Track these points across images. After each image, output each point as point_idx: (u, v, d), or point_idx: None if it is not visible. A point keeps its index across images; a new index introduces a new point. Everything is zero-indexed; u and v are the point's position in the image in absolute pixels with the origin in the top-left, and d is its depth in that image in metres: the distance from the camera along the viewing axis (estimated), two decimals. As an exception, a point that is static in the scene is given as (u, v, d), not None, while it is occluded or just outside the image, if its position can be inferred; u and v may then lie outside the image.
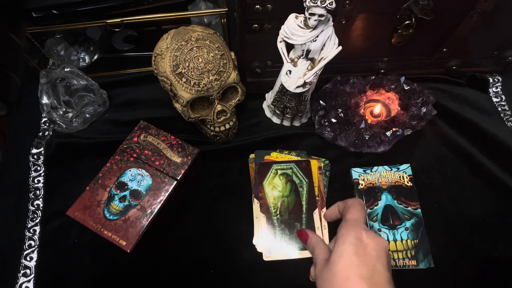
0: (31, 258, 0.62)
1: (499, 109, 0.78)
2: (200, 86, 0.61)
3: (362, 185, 0.68)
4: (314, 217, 0.65)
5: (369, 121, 0.70)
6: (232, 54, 0.65)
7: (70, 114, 0.71)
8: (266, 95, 0.78)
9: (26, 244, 0.63)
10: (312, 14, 0.52)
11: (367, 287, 0.43)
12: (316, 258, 0.51)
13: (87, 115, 0.73)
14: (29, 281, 0.60)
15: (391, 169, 0.69)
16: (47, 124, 0.75)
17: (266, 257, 0.62)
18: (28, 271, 0.61)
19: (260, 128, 0.75)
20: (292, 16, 0.56)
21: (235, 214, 0.66)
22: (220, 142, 0.72)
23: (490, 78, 0.81)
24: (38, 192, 0.68)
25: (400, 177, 0.68)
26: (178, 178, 0.60)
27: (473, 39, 0.72)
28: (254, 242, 0.63)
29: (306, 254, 0.62)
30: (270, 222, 0.64)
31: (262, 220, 0.65)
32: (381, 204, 0.66)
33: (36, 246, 0.63)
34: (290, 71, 0.61)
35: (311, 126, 0.75)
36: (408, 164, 0.70)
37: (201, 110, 0.67)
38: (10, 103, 0.72)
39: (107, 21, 0.68)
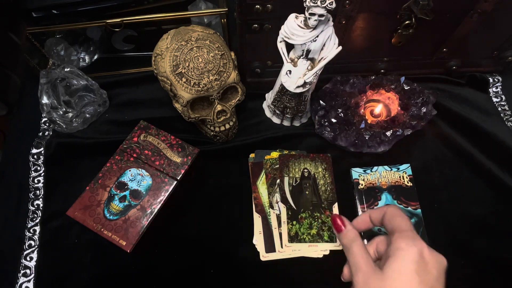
0: (31, 258, 0.62)
1: (499, 109, 0.78)
2: (200, 86, 0.61)
3: (362, 185, 0.68)
4: (334, 210, 0.65)
5: (369, 121, 0.70)
6: (232, 54, 0.65)
7: (70, 114, 0.71)
8: (266, 95, 0.78)
9: (26, 244, 0.63)
10: (312, 14, 0.52)
11: None
12: (355, 258, 0.45)
13: (87, 115, 0.73)
14: (29, 281, 0.60)
15: (391, 169, 0.69)
16: (47, 124, 0.75)
17: (263, 257, 0.62)
18: (28, 271, 0.61)
19: (260, 128, 0.75)
20: (292, 16, 0.56)
21: (235, 214, 0.66)
22: (220, 142, 0.72)
23: (490, 78, 0.80)
24: (38, 192, 0.68)
25: (400, 177, 0.68)
26: (178, 178, 0.60)
27: (473, 39, 0.72)
28: (254, 242, 0.63)
29: (303, 253, 0.62)
30: (266, 222, 0.64)
31: (258, 220, 0.65)
32: (381, 204, 0.66)
33: (36, 246, 0.63)
34: (290, 71, 0.61)
35: (311, 126, 0.75)
36: (408, 164, 0.69)
37: (201, 110, 0.67)
38: (10, 103, 0.72)
39: (107, 21, 0.68)
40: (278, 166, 0.69)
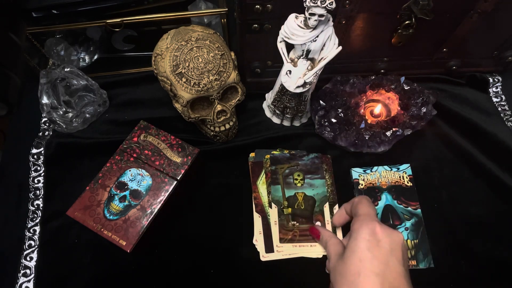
0: (31, 258, 0.62)
1: (499, 109, 0.78)
2: (200, 86, 0.61)
3: (362, 185, 0.68)
4: (334, 211, 0.65)
5: (369, 121, 0.70)
6: (232, 54, 0.65)
7: (70, 114, 0.71)
8: (266, 95, 0.78)
9: (26, 244, 0.63)
10: (312, 14, 0.52)
11: (379, 283, 0.42)
12: (330, 252, 0.52)
13: (87, 115, 0.73)
14: (29, 281, 0.60)
15: (391, 169, 0.69)
16: (47, 124, 0.75)
17: (263, 257, 0.62)
18: (28, 271, 0.61)
19: (260, 128, 0.75)
20: (292, 16, 0.56)
21: (235, 214, 0.66)
22: (220, 142, 0.72)
23: (490, 78, 0.80)
24: (38, 192, 0.68)
25: (400, 177, 0.69)
26: (178, 178, 0.60)
27: (473, 39, 0.72)
28: (254, 242, 0.63)
29: (304, 253, 0.62)
30: (266, 222, 0.64)
31: (258, 220, 0.65)
32: (381, 204, 0.66)
33: (36, 246, 0.63)
34: (290, 71, 0.61)
35: (311, 126, 0.75)
36: (408, 164, 0.70)
37: (201, 110, 0.67)
38: (10, 103, 0.72)
39: (107, 21, 0.68)
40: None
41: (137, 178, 0.60)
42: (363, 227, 0.47)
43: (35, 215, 0.66)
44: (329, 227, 0.64)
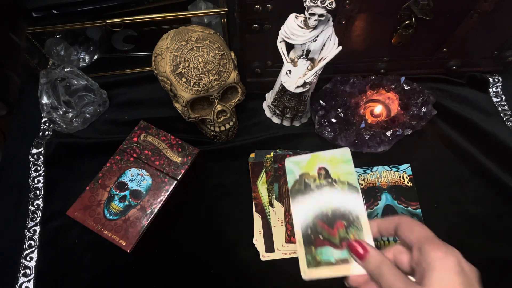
0: (31, 258, 0.62)
1: (499, 109, 0.78)
2: (200, 86, 0.61)
3: (362, 185, 0.68)
4: None
5: (369, 121, 0.70)
6: (232, 54, 0.65)
7: (70, 114, 0.71)
8: (266, 95, 0.78)
9: (26, 244, 0.63)
10: (312, 14, 0.52)
11: None
12: (390, 282, 0.39)
13: (87, 115, 0.73)
14: (29, 281, 0.60)
15: (391, 169, 0.69)
16: (47, 124, 0.75)
17: (263, 257, 0.62)
18: (28, 271, 0.61)
19: (260, 128, 0.75)
20: (292, 16, 0.56)
21: (235, 214, 0.66)
22: (220, 142, 0.72)
23: (490, 78, 0.80)
24: (38, 192, 0.68)
25: (400, 177, 0.68)
26: (178, 178, 0.60)
27: (473, 39, 0.72)
28: (254, 241, 0.63)
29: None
30: (266, 222, 0.64)
31: (258, 220, 0.65)
32: (381, 204, 0.66)
33: (36, 246, 0.63)
34: (290, 71, 0.61)
35: (311, 126, 0.75)
36: (408, 164, 0.69)
37: (201, 110, 0.67)
38: (10, 103, 0.72)
39: (107, 21, 0.68)
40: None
41: (137, 178, 0.60)
42: (448, 256, 0.39)
43: (35, 215, 0.66)
44: None
